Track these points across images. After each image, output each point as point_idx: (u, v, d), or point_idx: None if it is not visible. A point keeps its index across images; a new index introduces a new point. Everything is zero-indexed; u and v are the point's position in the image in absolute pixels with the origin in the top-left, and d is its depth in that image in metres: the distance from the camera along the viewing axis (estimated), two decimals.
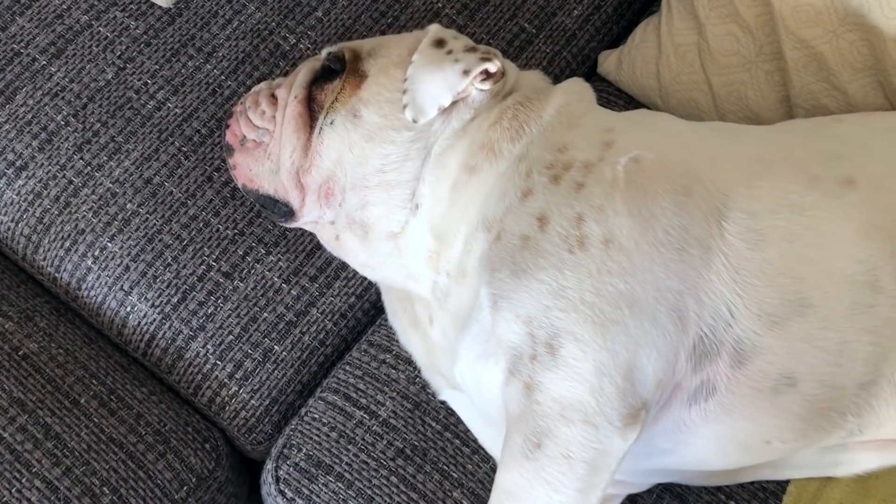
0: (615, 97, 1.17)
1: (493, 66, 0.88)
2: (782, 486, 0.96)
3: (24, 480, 0.88)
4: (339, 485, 0.92)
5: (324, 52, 0.96)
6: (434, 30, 0.94)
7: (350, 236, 0.94)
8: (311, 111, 0.92)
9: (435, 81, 0.88)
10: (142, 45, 1.08)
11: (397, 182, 0.89)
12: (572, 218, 0.81)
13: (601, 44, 1.21)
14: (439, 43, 0.91)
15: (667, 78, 1.13)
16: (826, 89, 1.06)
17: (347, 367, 0.99)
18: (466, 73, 0.87)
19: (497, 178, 0.87)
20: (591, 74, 1.22)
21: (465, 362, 0.87)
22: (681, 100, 1.13)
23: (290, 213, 0.94)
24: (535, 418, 0.78)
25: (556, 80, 1.17)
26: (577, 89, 0.94)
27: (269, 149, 0.93)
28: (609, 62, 1.18)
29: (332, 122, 0.91)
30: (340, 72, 0.93)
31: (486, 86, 0.89)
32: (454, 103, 0.89)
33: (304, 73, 0.95)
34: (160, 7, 1.10)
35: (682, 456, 0.85)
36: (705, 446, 0.84)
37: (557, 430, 0.77)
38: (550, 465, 0.77)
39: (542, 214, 0.82)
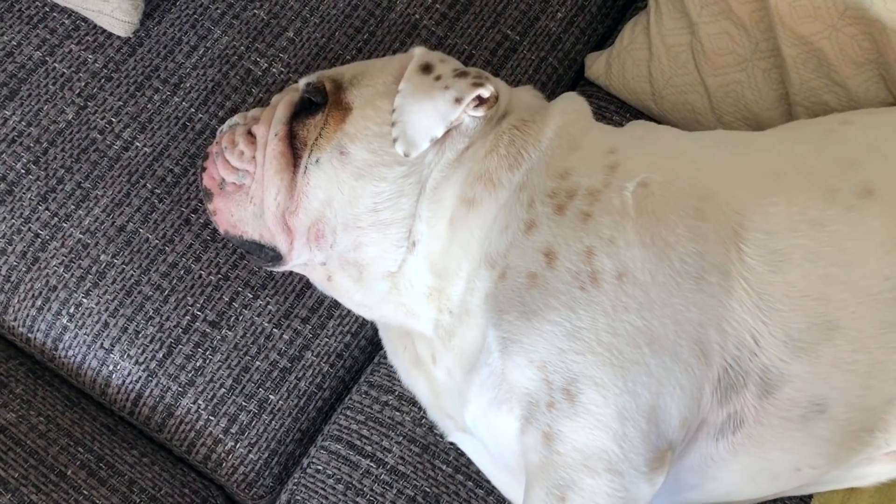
0: (606, 102, 1.12)
1: (486, 91, 0.83)
2: (805, 499, 0.94)
3: None
4: None
5: (302, 83, 0.90)
6: (419, 53, 0.88)
7: (343, 277, 0.88)
8: (294, 149, 0.86)
9: (425, 111, 0.82)
10: (102, 81, 1.00)
11: (392, 220, 0.84)
12: (582, 252, 0.76)
13: (587, 46, 1.16)
14: (426, 68, 0.86)
15: (660, 81, 1.08)
16: (827, 85, 1.01)
17: (348, 412, 0.94)
18: (458, 100, 0.82)
19: (498, 211, 0.82)
20: (579, 79, 1.17)
21: (476, 408, 0.82)
22: (675, 103, 1.08)
23: (277, 258, 0.89)
24: (558, 469, 0.74)
25: (544, 87, 1.13)
26: (574, 107, 0.89)
27: (250, 191, 0.87)
28: (597, 66, 1.13)
29: (317, 161, 0.85)
30: (322, 104, 0.87)
31: (480, 112, 0.84)
32: (447, 133, 0.84)
33: (282, 107, 0.88)
34: (119, 37, 1.02)
35: (708, 490, 0.82)
36: (733, 479, 0.81)
37: (582, 482, 0.73)
38: None
39: (548, 249, 0.77)
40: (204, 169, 0.89)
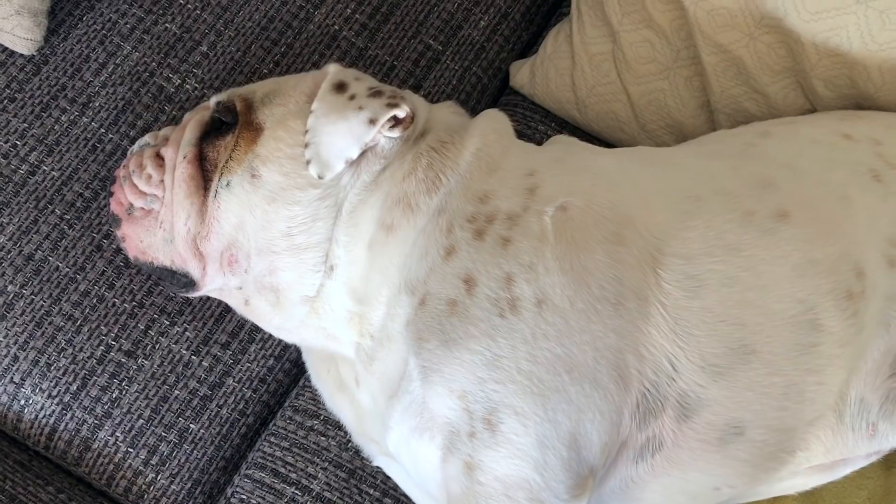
0: (531, 111, 1.11)
1: (401, 112, 0.81)
2: None
3: None
4: None
5: (213, 101, 0.87)
6: (333, 71, 0.85)
7: (261, 301, 0.86)
8: (204, 171, 0.84)
9: (339, 133, 0.80)
10: (5, 102, 0.96)
11: (307, 245, 0.82)
12: (501, 278, 0.76)
13: (511, 54, 1.14)
14: (340, 87, 0.83)
15: (583, 90, 1.07)
16: (746, 93, 1.02)
17: (273, 438, 0.92)
18: (373, 121, 0.80)
19: (417, 236, 0.80)
20: (505, 87, 1.15)
21: (398, 435, 0.81)
22: (599, 112, 1.08)
23: (190, 284, 0.86)
24: (479, 499, 0.73)
25: (469, 97, 1.11)
26: (494, 126, 0.88)
27: (160, 216, 0.85)
28: (521, 75, 1.12)
29: (228, 184, 0.82)
30: (233, 125, 0.84)
31: (396, 133, 0.82)
32: (362, 154, 0.82)
33: (192, 127, 0.85)
34: (21, 55, 0.98)
35: None
36: (654, 500, 0.81)
37: None
38: None
39: (468, 276, 0.76)
40: (112, 194, 0.86)
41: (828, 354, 0.78)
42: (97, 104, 0.98)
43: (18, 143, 0.95)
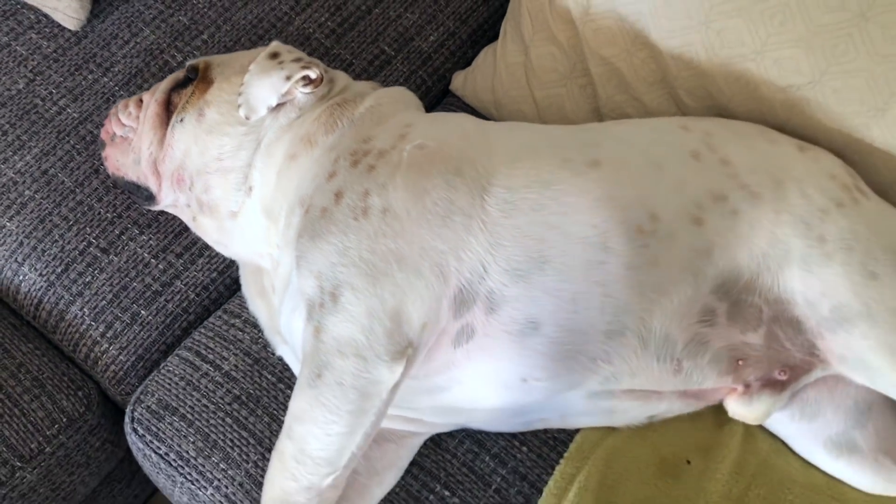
0: (462, 110, 1.35)
1: (312, 73, 1.06)
2: (571, 435, 1.08)
3: None
4: (182, 423, 1.09)
5: (188, 64, 1.15)
6: (273, 45, 1.12)
7: (203, 218, 1.11)
8: (168, 112, 1.11)
9: (264, 86, 1.06)
10: (50, 61, 1.28)
11: (232, 168, 1.07)
12: (361, 193, 0.97)
13: (456, 65, 1.39)
14: (274, 55, 1.10)
15: (499, 93, 1.30)
16: (627, 100, 1.22)
17: (203, 330, 1.16)
18: (288, 78, 1.05)
19: (311, 164, 1.04)
20: (448, 91, 1.40)
21: (285, 317, 1.03)
22: (511, 111, 1.30)
23: (151, 197, 1.13)
24: (319, 354, 0.91)
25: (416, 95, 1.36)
26: (394, 95, 1.12)
27: (133, 144, 1.12)
28: (457, 80, 1.37)
29: (181, 120, 1.09)
30: (195, 79, 1.12)
31: (308, 90, 1.07)
32: (283, 104, 1.07)
33: (167, 81, 1.14)
34: (69, 30, 1.30)
35: (457, 394, 0.99)
36: (473, 384, 0.97)
37: (334, 363, 0.90)
38: (327, 392, 0.90)
39: (339, 191, 0.99)
40: (103, 126, 1.15)
41: (614, 273, 0.94)
42: (116, 69, 1.28)
43: (54, 91, 1.26)
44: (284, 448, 0.92)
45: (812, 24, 1.02)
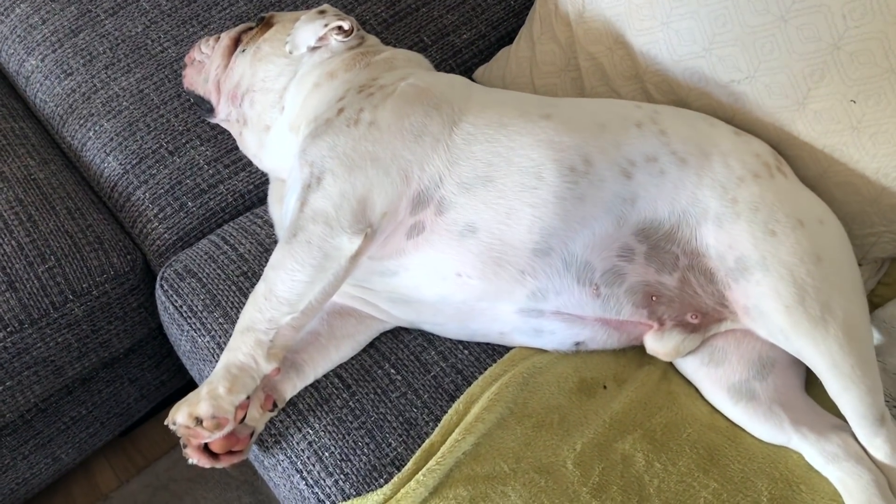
0: None
1: (345, 25, 1.35)
2: (508, 350, 1.25)
3: (3, 240, 1.37)
4: (198, 285, 1.36)
5: (258, 16, 1.47)
6: (324, 6, 1.43)
7: (247, 132, 1.40)
8: (236, 46, 1.43)
9: (307, 30, 1.36)
10: (165, 15, 1.64)
11: (272, 89, 1.36)
12: (357, 109, 1.23)
13: (482, 62, 1.66)
14: (321, 12, 1.40)
15: (508, 80, 1.56)
16: (608, 92, 1.44)
17: (232, 224, 1.44)
18: (326, 25, 1.35)
19: (330, 92, 1.31)
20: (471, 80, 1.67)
21: (287, 202, 1.29)
22: None
23: (211, 110, 1.43)
24: (298, 220, 1.13)
25: None
26: (408, 55, 1.39)
27: (205, 67, 1.44)
28: (479, 72, 1.63)
29: (243, 51, 1.40)
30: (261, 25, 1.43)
31: (341, 38, 1.36)
32: (320, 47, 1.36)
33: (241, 26, 1.46)
34: None
35: (404, 279, 1.17)
36: (417, 272, 1.16)
37: (307, 226, 1.11)
38: (297, 247, 1.11)
39: (341, 107, 1.25)
40: (188, 53, 1.48)
41: (544, 198, 1.13)
42: (212, 27, 1.63)
43: (162, 36, 1.62)
44: (258, 288, 1.16)
45: (745, 25, 1.23)
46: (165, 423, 1.12)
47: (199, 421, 1.09)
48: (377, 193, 1.15)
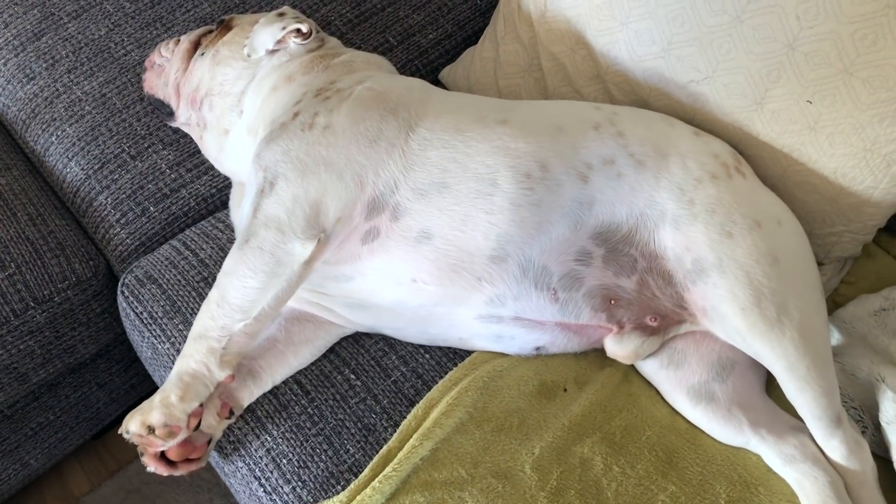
0: None
1: (303, 27, 1.34)
2: (469, 354, 1.26)
3: None
4: (158, 291, 1.35)
5: (218, 19, 1.46)
6: (284, 8, 1.42)
7: (207, 135, 1.39)
8: (195, 49, 1.42)
9: (266, 33, 1.35)
10: (128, 18, 1.63)
11: (230, 92, 1.35)
12: (312, 113, 1.22)
13: (448, 62, 1.65)
14: (280, 14, 1.39)
15: (472, 81, 1.55)
16: (570, 92, 1.44)
17: (195, 228, 1.44)
18: (283, 28, 1.34)
19: (287, 95, 1.30)
20: (436, 82, 1.66)
21: (243, 206, 1.28)
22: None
23: (171, 113, 1.42)
24: (251, 226, 1.12)
25: None
26: (368, 57, 1.38)
27: (165, 71, 1.43)
28: (445, 72, 1.62)
29: (202, 54, 1.39)
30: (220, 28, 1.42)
31: (299, 40, 1.35)
32: (278, 50, 1.35)
33: (201, 29, 1.45)
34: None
35: (359, 284, 1.17)
36: (373, 276, 1.15)
37: (259, 232, 1.10)
38: (250, 253, 1.10)
39: (297, 111, 1.24)
40: (148, 56, 1.47)
41: (499, 205, 1.12)
42: (175, 29, 1.62)
43: (125, 39, 1.61)
44: (211, 295, 1.15)
45: (703, 25, 1.22)
46: (119, 431, 1.11)
47: (151, 429, 1.09)
48: (331, 198, 1.14)
